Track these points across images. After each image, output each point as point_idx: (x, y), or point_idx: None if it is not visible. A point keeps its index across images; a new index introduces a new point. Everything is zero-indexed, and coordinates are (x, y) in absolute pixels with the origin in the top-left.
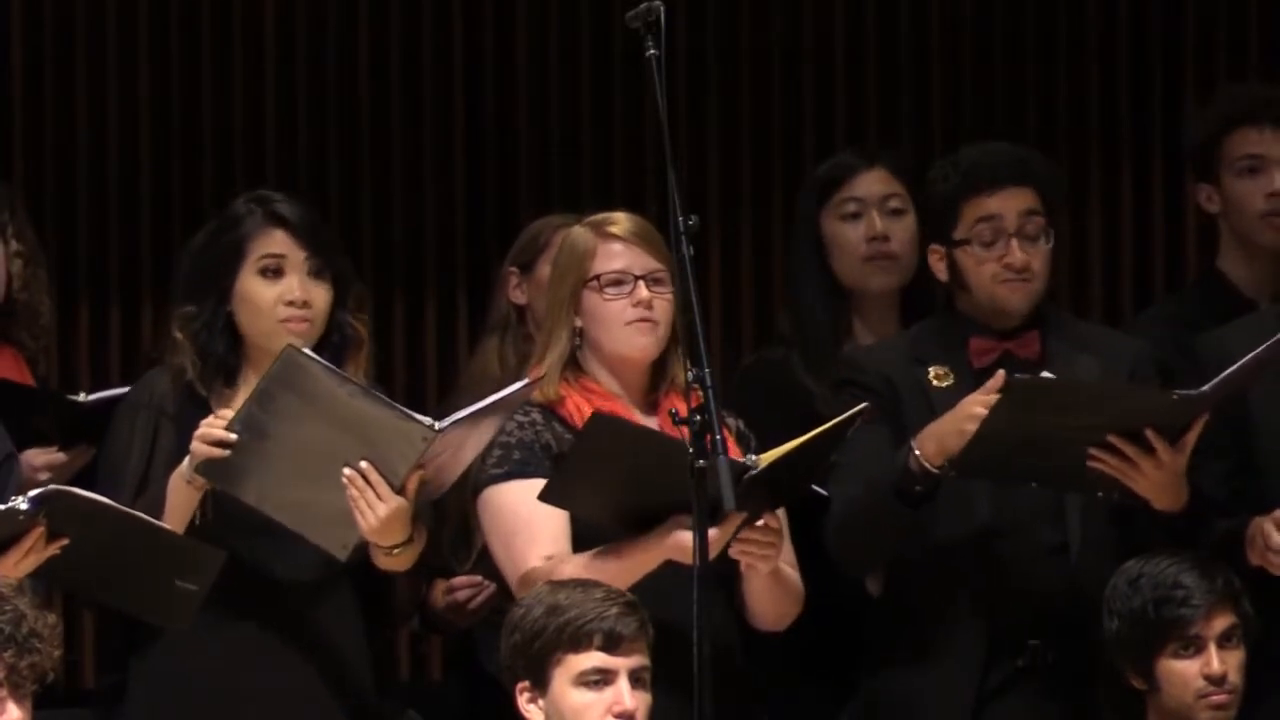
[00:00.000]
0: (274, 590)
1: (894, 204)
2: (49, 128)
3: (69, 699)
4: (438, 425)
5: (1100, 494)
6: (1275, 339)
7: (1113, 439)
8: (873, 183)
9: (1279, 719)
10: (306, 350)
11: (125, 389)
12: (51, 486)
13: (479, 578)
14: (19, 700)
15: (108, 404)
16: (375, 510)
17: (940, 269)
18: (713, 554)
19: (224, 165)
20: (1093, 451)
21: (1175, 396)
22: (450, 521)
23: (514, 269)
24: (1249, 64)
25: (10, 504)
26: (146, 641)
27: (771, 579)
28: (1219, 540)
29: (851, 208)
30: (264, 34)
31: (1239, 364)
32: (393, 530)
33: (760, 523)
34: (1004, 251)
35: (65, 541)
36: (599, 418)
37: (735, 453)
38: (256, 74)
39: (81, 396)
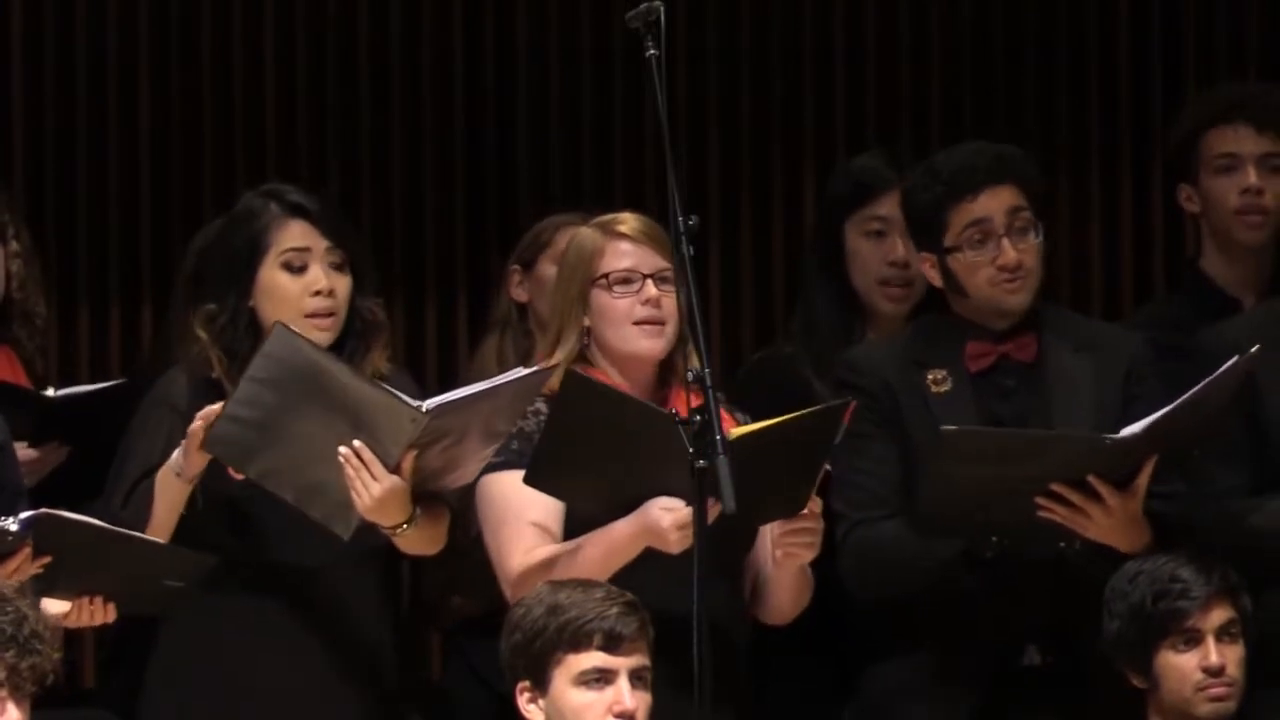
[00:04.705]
0: (292, 578)
1: None
2: (49, 128)
3: (69, 699)
4: (425, 407)
5: (1062, 545)
6: (1206, 380)
7: (1057, 487)
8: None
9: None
10: (294, 328)
11: (96, 386)
12: (41, 510)
13: None
14: (19, 701)
15: (78, 400)
16: (370, 489)
17: (934, 276)
18: (682, 543)
19: (224, 165)
20: (1040, 501)
21: (1108, 442)
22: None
23: (516, 266)
24: (1249, 64)
25: None
26: (163, 637)
27: (800, 571)
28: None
29: (876, 226)
30: (264, 34)
31: (1174, 405)
32: (390, 509)
33: (804, 510)
34: (996, 253)
35: (48, 560)
36: (572, 374)
37: None
38: (256, 74)
39: (50, 392)
